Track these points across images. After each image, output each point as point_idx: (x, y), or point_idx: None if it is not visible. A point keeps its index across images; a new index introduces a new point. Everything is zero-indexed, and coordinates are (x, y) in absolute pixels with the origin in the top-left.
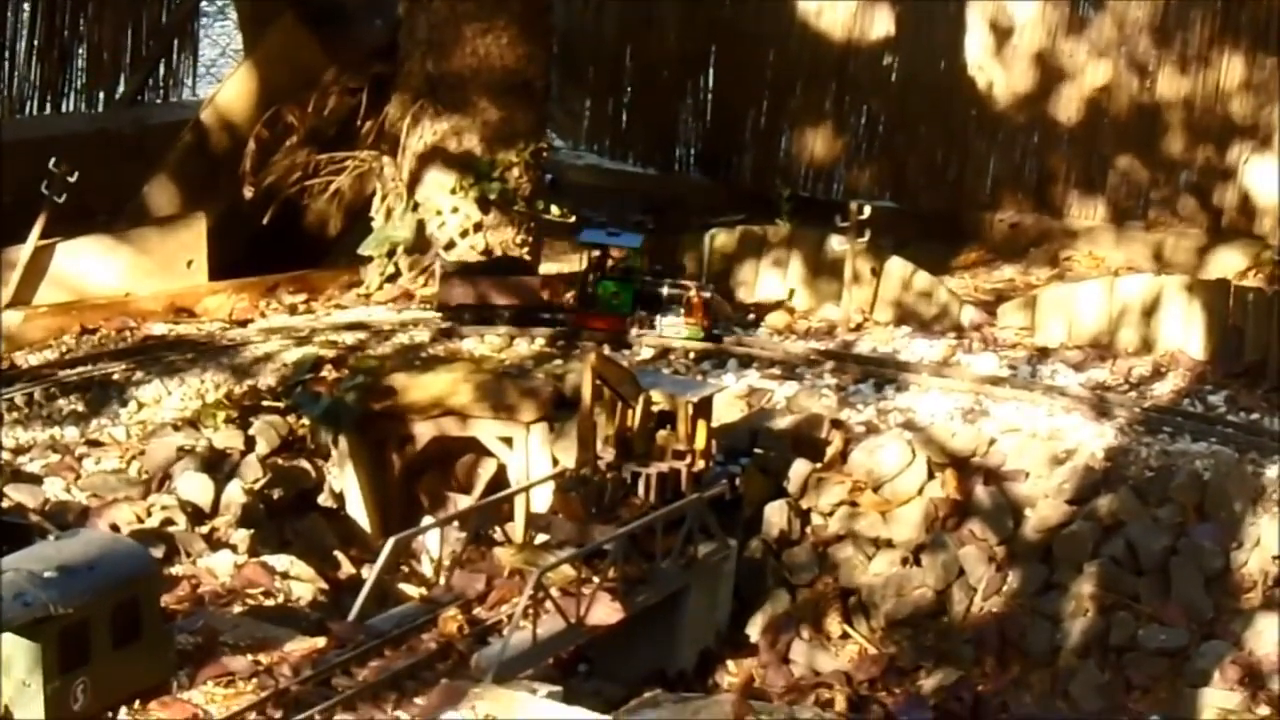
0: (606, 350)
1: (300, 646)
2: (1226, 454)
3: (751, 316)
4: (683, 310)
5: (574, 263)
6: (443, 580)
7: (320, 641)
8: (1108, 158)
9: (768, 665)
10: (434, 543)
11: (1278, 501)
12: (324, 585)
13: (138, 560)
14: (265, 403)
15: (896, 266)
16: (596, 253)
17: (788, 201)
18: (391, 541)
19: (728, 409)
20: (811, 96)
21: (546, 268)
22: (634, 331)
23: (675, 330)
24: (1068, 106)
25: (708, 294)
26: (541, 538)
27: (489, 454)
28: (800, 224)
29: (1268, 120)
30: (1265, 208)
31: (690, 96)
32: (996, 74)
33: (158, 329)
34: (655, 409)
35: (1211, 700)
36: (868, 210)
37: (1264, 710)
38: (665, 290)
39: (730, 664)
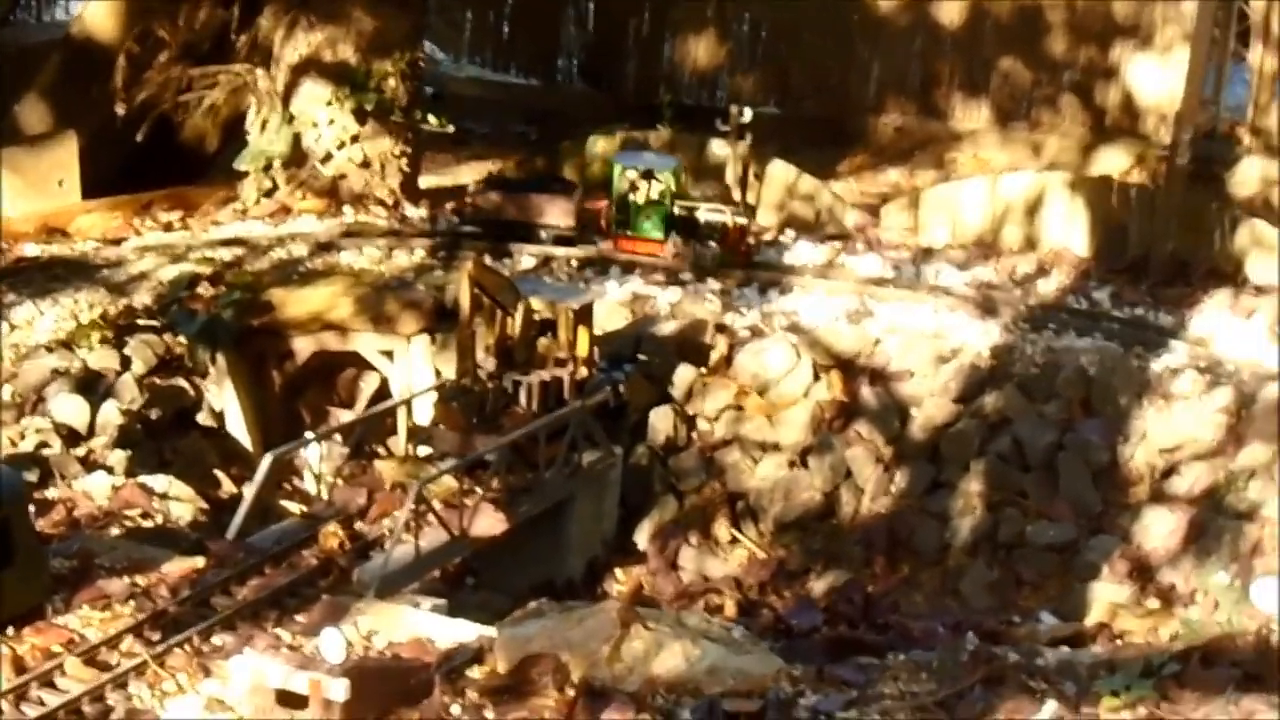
0: (487, 260)
1: (179, 567)
2: (1112, 349)
3: None
4: (718, 236)
5: (456, 175)
6: (324, 496)
7: (199, 561)
8: (990, 60)
9: (656, 573)
10: (316, 458)
11: (1163, 395)
12: (204, 505)
13: (8, 483)
14: (141, 322)
15: (779, 170)
16: (633, 176)
17: (669, 107)
18: (269, 457)
19: (611, 316)
20: (694, 4)
21: (427, 180)
22: (670, 255)
23: (711, 256)
24: (950, 9)
25: (744, 220)
26: (424, 450)
27: (371, 368)
28: (683, 130)
29: (1149, 19)
30: (1148, 107)
31: (572, 6)
32: None
33: (29, 250)
34: (536, 317)
35: (1101, 594)
36: (749, 114)
37: (1153, 603)
38: (703, 215)
39: (619, 572)
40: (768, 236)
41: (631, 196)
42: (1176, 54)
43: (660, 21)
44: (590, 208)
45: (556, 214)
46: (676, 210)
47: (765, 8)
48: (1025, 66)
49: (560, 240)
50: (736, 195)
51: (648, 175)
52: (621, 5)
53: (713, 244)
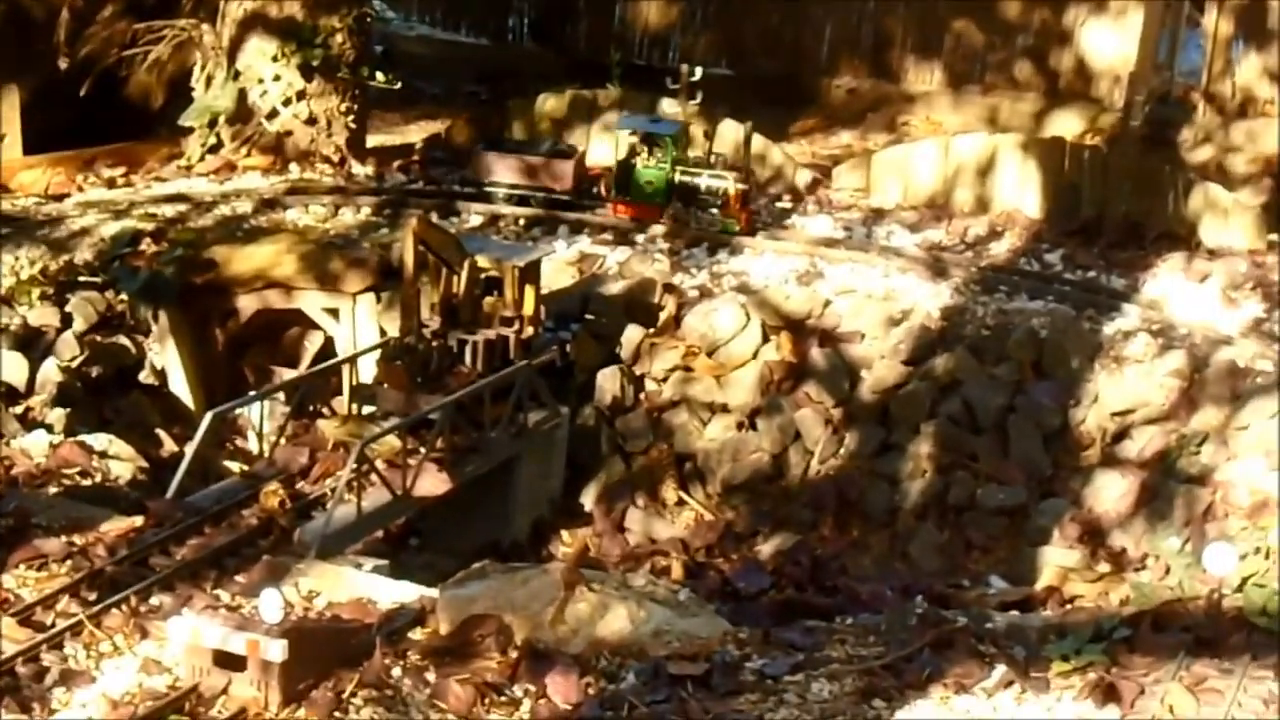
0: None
1: (117, 526)
2: (1064, 311)
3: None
4: (719, 203)
5: (406, 134)
6: (266, 455)
7: (137, 520)
8: (944, 22)
9: (603, 534)
10: (258, 417)
11: (1115, 358)
12: (144, 464)
13: None
14: (82, 279)
15: (730, 129)
16: (634, 140)
17: (618, 65)
18: (210, 415)
19: (559, 275)
20: None
21: (376, 139)
22: (669, 222)
23: (712, 223)
24: None
25: (746, 186)
26: (368, 409)
27: (315, 326)
28: (632, 89)
29: None
30: (1101, 71)
31: None
32: None
33: None
34: (482, 275)
35: (1051, 558)
36: (699, 73)
37: (1104, 567)
38: (704, 181)
39: (565, 534)
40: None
41: (633, 161)
42: (1130, 18)
43: None
44: (590, 172)
45: (554, 178)
46: (677, 176)
47: None
48: (979, 29)
49: (557, 205)
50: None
51: (648, 140)
52: None
53: (714, 211)
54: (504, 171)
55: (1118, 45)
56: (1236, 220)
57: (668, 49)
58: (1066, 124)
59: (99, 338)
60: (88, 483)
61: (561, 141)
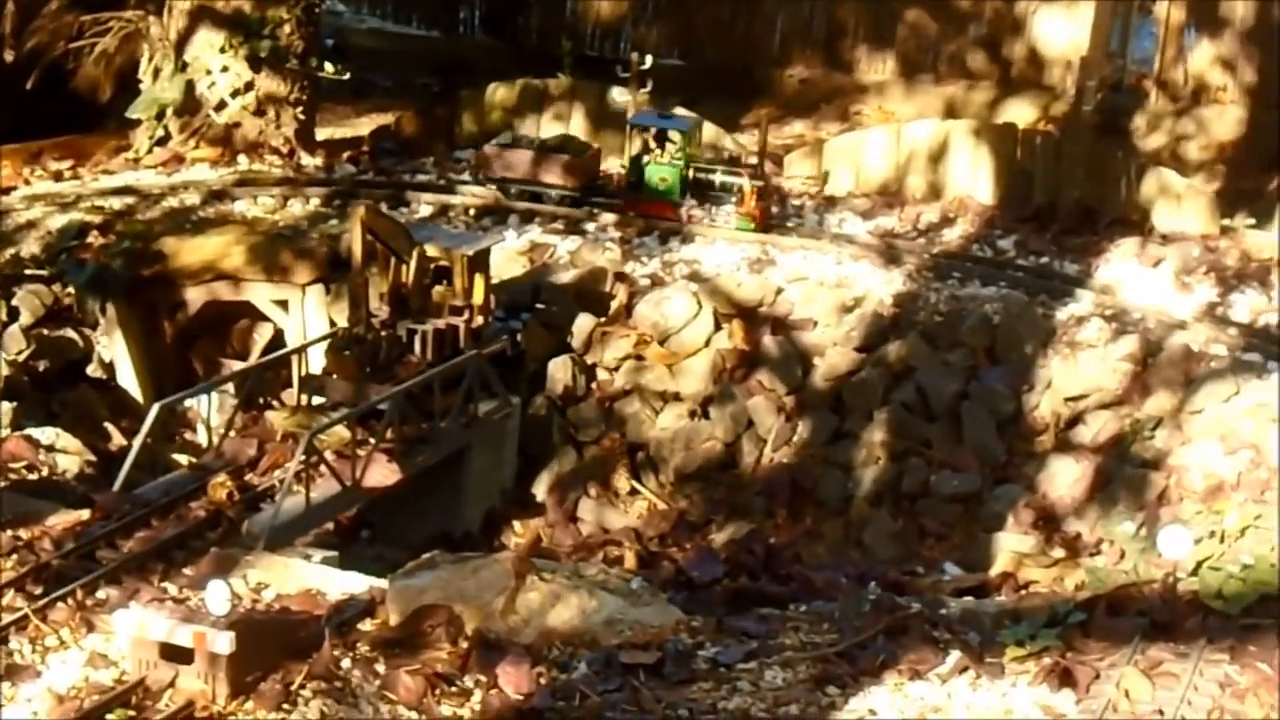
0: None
1: (63, 520)
2: (1017, 297)
3: None
4: (735, 199)
5: (357, 127)
6: (214, 447)
7: (84, 514)
8: (896, 11)
9: (555, 524)
10: (207, 410)
11: (1068, 343)
12: (92, 458)
13: None
14: (29, 272)
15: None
16: (648, 136)
17: (569, 55)
18: (157, 407)
19: (509, 265)
20: None
21: (327, 132)
22: (685, 219)
23: (727, 220)
24: None
25: (761, 182)
26: (317, 400)
27: (265, 318)
28: (583, 78)
29: None
30: (1054, 59)
31: None
32: None
33: None
34: (431, 264)
35: (1006, 544)
36: (649, 60)
37: (1058, 552)
38: (718, 177)
39: (516, 524)
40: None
41: (645, 158)
42: (1083, 6)
43: None
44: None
45: (566, 174)
46: (692, 172)
47: None
48: (931, 18)
49: (568, 202)
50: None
51: (661, 136)
52: None
53: (729, 207)
54: (514, 167)
55: (1070, 33)
56: (1189, 205)
57: (619, 40)
58: (1020, 112)
59: (46, 331)
60: (34, 477)
61: (570, 136)
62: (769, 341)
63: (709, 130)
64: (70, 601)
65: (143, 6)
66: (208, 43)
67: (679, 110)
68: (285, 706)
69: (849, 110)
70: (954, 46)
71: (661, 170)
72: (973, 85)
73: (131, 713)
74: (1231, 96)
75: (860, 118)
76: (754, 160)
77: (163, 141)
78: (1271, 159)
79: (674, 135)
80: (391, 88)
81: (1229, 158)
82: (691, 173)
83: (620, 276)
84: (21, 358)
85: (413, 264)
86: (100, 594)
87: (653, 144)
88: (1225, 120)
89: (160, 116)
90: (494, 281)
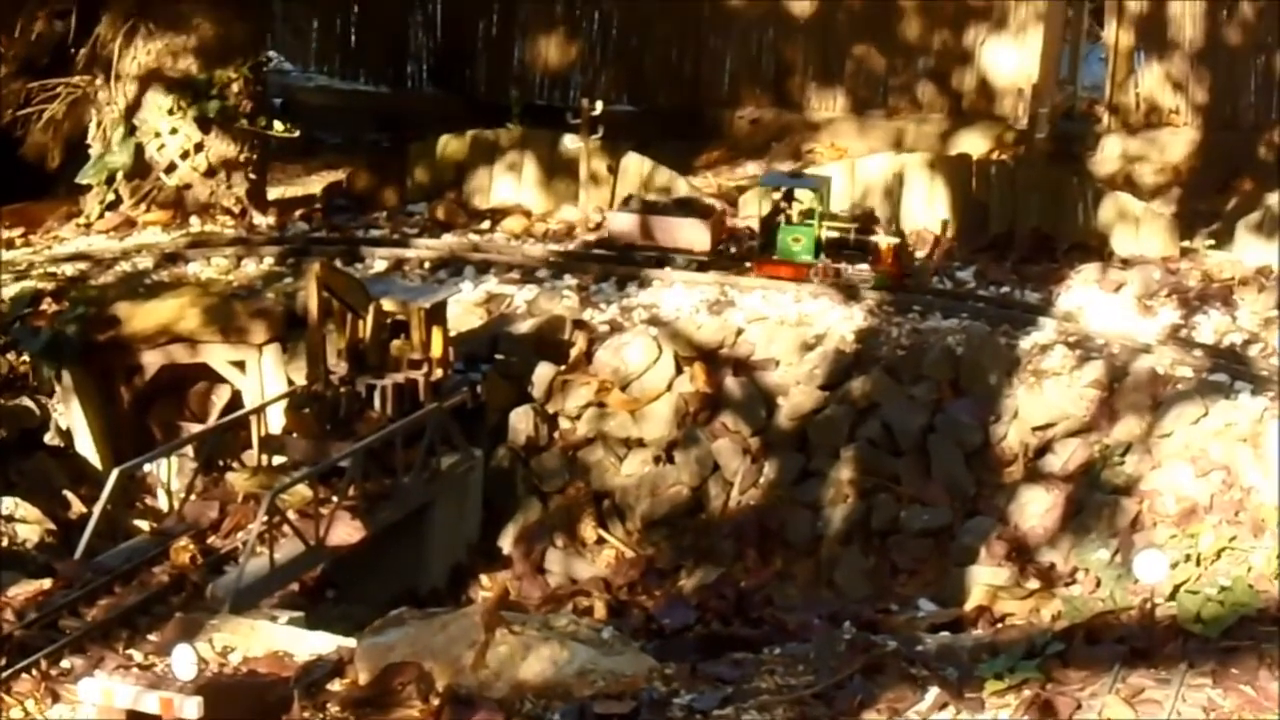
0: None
1: (24, 590)
2: (979, 328)
3: (486, 224)
4: (870, 257)
5: (308, 185)
6: (176, 511)
7: (46, 583)
8: (844, 48)
9: (522, 577)
10: (166, 474)
11: (1033, 372)
12: (52, 526)
13: None
14: None
15: (634, 163)
16: (778, 196)
17: (518, 104)
18: (116, 472)
19: (466, 317)
20: (543, 2)
21: (278, 191)
22: (816, 280)
23: (862, 279)
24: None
25: (897, 240)
26: (278, 460)
27: (222, 380)
28: (534, 127)
29: (1002, 2)
30: (1004, 89)
31: (419, 10)
32: None
33: None
34: (388, 319)
35: (979, 578)
36: (600, 106)
37: (1033, 583)
38: (851, 236)
39: (484, 578)
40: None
41: (777, 219)
42: (1031, 35)
43: (509, 22)
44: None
45: (691, 238)
46: (824, 232)
47: (615, 3)
48: (880, 53)
49: (698, 266)
50: (583, 193)
51: (789, 196)
52: (470, 6)
53: (865, 266)
54: (642, 233)
55: (1019, 62)
56: (1148, 228)
57: (568, 88)
58: (972, 144)
59: (2, 400)
60: None
61: (691, 197)
62: (731, 383)
63: (662, 173)
64: (34, 672)
65: (90, 72)
66: (156, 105)
67: (631, 153)
68: None
69: (801, 149)
70: (903, 80)
71: (794, 231)
72: (924, 118)
73: None
74: (1184, 118)
75: (812, 156)
76: (711, 201)
77: (114, 206)
78: (1227, 179)
79: (803, 195)
80: (341, 144)
81: (1184, 180)
82: (824, 231)
83: (579, 324)
84: None
85: (369, 319)
86: (65, 663)
87: (784, 204)
88: (1179, 142)
89: (110, 181)
90: (452, 334)
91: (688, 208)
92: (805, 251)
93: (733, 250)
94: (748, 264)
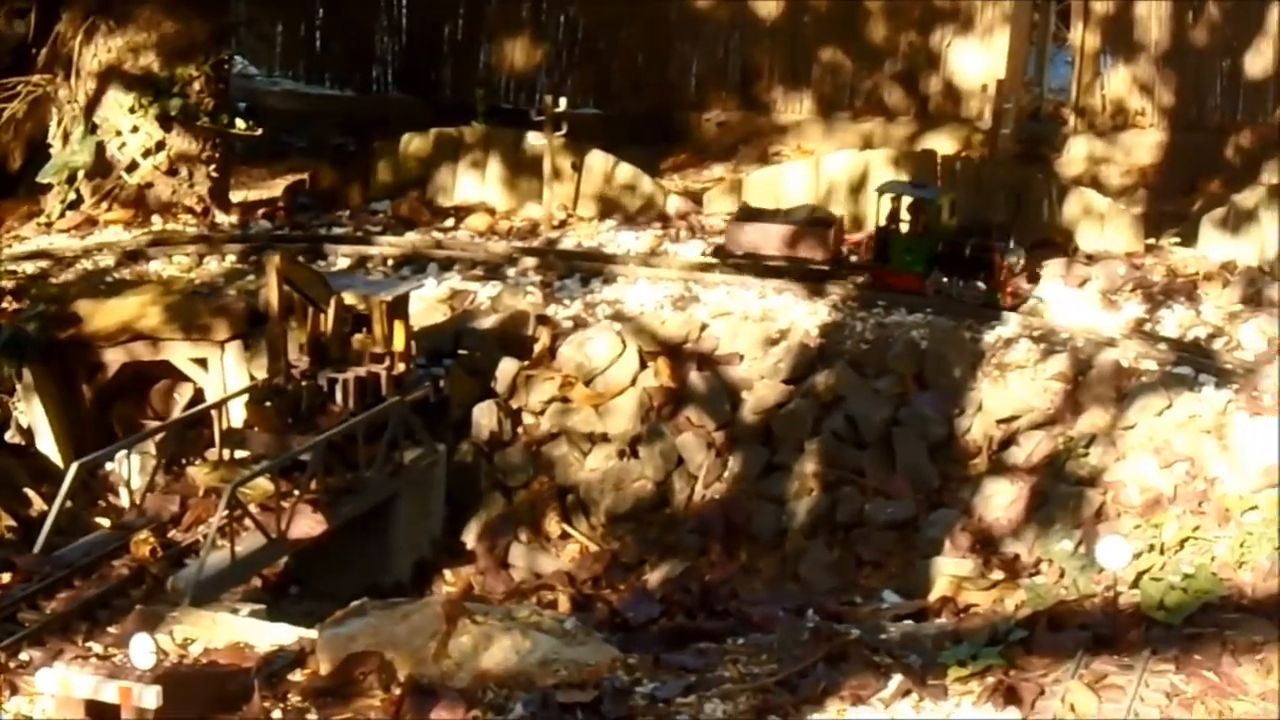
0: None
1: None
2: (943, 322)
3: (450, 222)
4: (984, 274)
5: (273, 189)
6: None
7: (4, 577)
8: (811, 51)
9: (486, 571)
10: (127, 470)
11: (997, 365)
12: (12, 523)
13: None
14: None
15: (598, 160)
16: (893, 205)
17: (482, 102)
18: (75, 466)
19: (430, 312)
20: (508, 5)
21: (241, 194)
22: (930, 292)
23: (974, 295)
24: (768, 3)
25: (1015, 258)
26: (240, 454)
27: (184, 377)
28: (498, 125)
29: (969, 4)
30: (971, 90)
31: (385, 14)
32: None
33: None
34: (350, 312)
35: (943, 569)
36: (564, 103)
37: (997, 574)
38: (967, 251)
39: (447, 573)
40: (587, 227)
41: (892, 228)
42: (998, 37)
43: (475, 25)
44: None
45: (813, 247)
46: (940, 246)
47: (581, 7)
48: (846, 56)
49: (816, 276)
50: (547, 191)
51: (913, 207)
52: (435, 10)
53: (979, 283)
54: (765, 243)
55: (986, 65)
56: (1113, 225)
57: (534, 91)
58: (939, 145)
59: None
60: None
61: (812, 206)
62: (696, 378)
63: (625, 170)
64: None
65: (50, 70)
66: (117, 103)
67: (595, 151)
68: None
69: (768, 151)
70: (870, 83)
71: (910, 242)
72: (891, 121)
73: None
74: (1150, 120)
75: (779, 158)
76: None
77: (75, 205)
78: (1193, 181)
79: (925, 205)
80: (307, 148)
81: (1151, 182)
82: (940, 245)
83: (542, 319)
84: None
85: (331, 312)
86: (24, 655)
87: (904, 213)
88: (1145, 144)
89: (71, 180)
90: (415, 329)
91: (807, 218)
92: (918, 263)
93: (853, 259)
94: (862, 275)
